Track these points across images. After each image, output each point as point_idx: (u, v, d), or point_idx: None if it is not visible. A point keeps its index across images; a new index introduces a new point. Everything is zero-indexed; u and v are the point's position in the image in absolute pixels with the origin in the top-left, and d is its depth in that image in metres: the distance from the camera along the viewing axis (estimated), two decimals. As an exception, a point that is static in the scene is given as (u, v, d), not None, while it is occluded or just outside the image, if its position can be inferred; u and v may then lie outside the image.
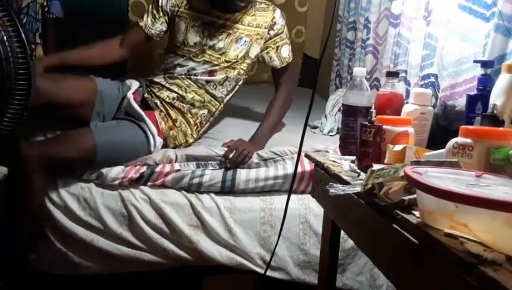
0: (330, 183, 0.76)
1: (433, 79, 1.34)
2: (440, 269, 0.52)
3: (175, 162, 1.42)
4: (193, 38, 1.54)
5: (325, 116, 1.91)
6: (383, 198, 0.66)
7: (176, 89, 1.54)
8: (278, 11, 1.62)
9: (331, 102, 1.97)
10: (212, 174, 1.40)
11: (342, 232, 1.11)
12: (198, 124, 1.58)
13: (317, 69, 1.07)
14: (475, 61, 0.97)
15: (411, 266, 0.58)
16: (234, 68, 1.58)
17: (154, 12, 1.59)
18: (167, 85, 1.54)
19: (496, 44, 1.05)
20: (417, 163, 0.68)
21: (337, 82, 2.50)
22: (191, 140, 1.58)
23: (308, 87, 2.83)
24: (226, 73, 1.57)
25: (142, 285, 1.38)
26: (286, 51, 1.66)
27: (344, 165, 0.93)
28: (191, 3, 1.57)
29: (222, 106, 1.64)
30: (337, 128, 1.79)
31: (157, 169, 1.39)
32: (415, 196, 0.62)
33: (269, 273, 1.35)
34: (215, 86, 1.57)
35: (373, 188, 0.69)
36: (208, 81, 1.55)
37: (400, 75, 1.56)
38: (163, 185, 1.40)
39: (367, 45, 1.97)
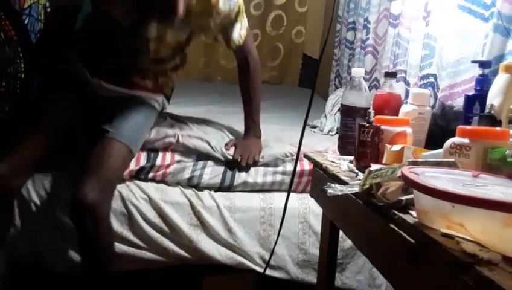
0: (328, 184, 0.77)
1: (432, 79, 1.35)
2: (436, 269, 0.52)
3: (176, 149, 1.41)
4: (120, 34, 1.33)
5: (325, 116, 1.92)
6: (381, 198, 0.67)
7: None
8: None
9: (331, 102, 1.98)
10: (213, 169, 1.40)
11: (341, 232, 1.11)
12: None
13: (317, 69, 1.07)
14: (473, 62, 0.98)
15: (408, 265, 0.58)
16: (182, 50, 1.44)
17: None
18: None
19: (495, 44, 1.05)
20: (415, 163, 0.68)
21: (337, 82, 2.50)
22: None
23: (308, 87, 2.83)
24: (174, 56, 1.43)
25: (142, 285, 1.39)
26: (236, 32, 1.42)
27: (342, 165, 0.93)
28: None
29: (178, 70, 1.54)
30: (337, 128, 1.79)
31: (158, 162, 1.39)
32: (412, 196, 0.63)
33: (269, 272, 1.36)
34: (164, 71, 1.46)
35: (371, 188, 0.69)
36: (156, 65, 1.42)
37: (400, 75, 1.57)
38: (163, 182, 1.40)
39: (366, 45, 1.98)
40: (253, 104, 1.50)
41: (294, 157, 1.42)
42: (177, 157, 1.40)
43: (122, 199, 1.35)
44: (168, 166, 1.39)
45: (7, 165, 1.16)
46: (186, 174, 1.39)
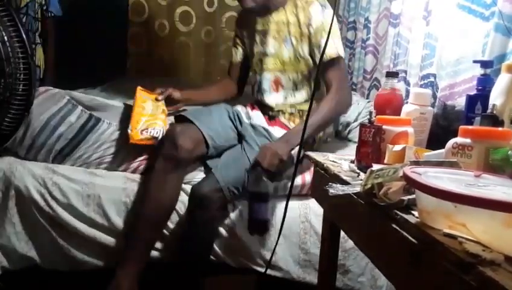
0: (330, 184, 0.76)
1: (432, 79, 1.35)
2: (439, 269, 0.52)
3: None
4: (253, 48, 1.54)
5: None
6: (382, 198, 0.66)
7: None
8: (315, 5, 1.39)
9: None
10: None
11: (342, 232, 1.11)
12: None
13: (317, 69, 1.07)
14: (475, 61, 0.97)
15: (410, 266, 0.58)
16: (295, 71, 1.46)
17: (236, 41, 1.63)
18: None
19: (495, 43, 1.05)
20: (416, 163, 0.68)
21: (337, 82, 2.49)
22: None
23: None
24: (289, 77, 1.47)
25: (142, 285, 1.38)
26: (330, 47, 1.32)
27: (344, 165, 0.93)
28: (243, 19, 1.60)
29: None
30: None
31: None
32: (414, 196, 0.62)
33: (269, 272, 1.35)
34: (288, 93, 1.49)
35: (372, 188, 0.69)
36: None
37: (400, 75, 1.57)
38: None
39: (367, 45, 1.98)
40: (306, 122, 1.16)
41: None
42: None
43: (127, 195, 1.36)
44: None
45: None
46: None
